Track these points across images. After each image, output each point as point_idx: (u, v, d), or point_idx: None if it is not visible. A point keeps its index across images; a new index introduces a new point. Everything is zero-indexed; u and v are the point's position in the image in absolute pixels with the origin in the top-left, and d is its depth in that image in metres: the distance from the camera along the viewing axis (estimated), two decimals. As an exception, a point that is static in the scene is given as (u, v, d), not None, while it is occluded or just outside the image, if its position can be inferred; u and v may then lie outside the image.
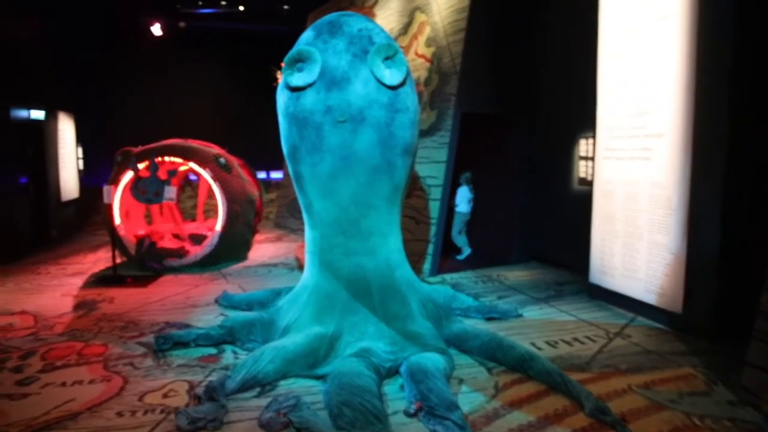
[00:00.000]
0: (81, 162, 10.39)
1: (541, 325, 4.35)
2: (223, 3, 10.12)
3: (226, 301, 4.99)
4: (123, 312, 4.85)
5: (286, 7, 10.06)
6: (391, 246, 4.25)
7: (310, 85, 3.91)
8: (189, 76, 11.71)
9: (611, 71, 4.65)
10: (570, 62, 6.00)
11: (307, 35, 4.08)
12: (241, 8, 10.18)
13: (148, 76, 11.42)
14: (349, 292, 4.00)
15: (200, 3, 10.12)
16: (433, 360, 3.35)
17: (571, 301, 5.04)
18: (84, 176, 10.38)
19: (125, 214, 6.63)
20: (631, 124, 4.37)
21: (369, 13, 8.09)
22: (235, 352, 3.84)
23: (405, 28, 7.14)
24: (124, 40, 11.19)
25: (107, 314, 4.79)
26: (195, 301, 5.21)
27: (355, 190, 4.00)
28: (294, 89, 3.97)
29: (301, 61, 3.91)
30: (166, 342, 3.87)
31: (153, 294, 5.46)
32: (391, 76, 3.92)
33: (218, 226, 6.51)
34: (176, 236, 7.39)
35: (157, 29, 10.98)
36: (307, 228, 4.32)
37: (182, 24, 10.99)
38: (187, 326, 4.37)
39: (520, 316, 4.58)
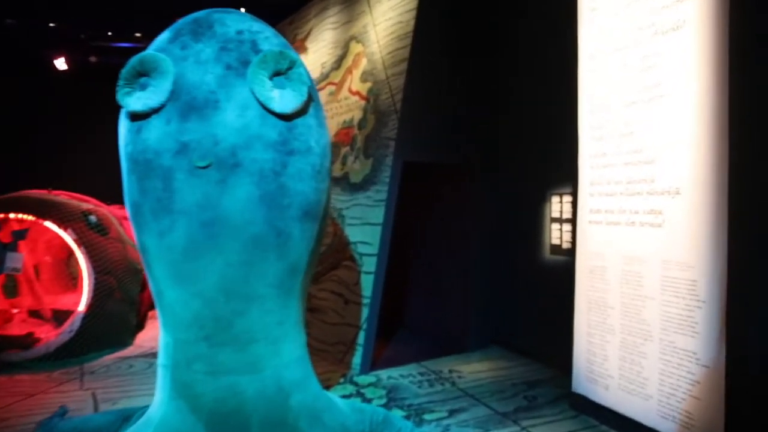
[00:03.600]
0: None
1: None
2: (138, 35, 8.80)
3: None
4: None
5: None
6: (286, 357, 2.80)
7: (155, 111, 2.52)
8: (95, 114, 10.21)
9: (597, 108, 3.48)
10: (541, 99, 4.87)
11: (161, 38, 2.73)
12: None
13: (49, 113, 9.89)
14: (213, 433, 2.55)
15: (110, 35, 8.76)
16: None
17: (549, 418, 3.64)
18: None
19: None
20: (631, 176, 3.15)
21: (300, 47, 6.90)
22: None
23: (338, 62, 5.94)
24: (25, 73, 9.69)
25: None
26: (12, 424, 3.54)
27: (225, 274, 2.58)
28: (135, 117, 2.57)
29: (144, 74, 2.54)
30: None
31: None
32: (284, 100, 2.59)
33: (81, 305, 4.88)
34: (35, 314, 5.66)
35: (61, 63, 9.52)
36: (160, 330, 2.83)
37: (93, 58, 9.59)
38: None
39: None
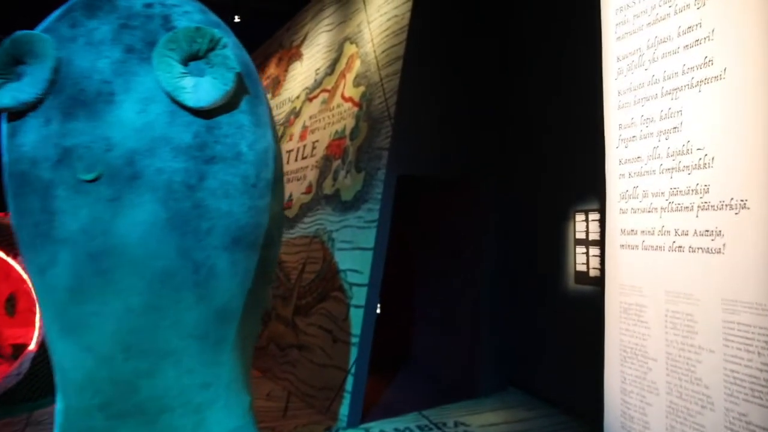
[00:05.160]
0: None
1: None
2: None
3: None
4: None
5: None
6: (215, 427, 2.12)
7: (30, 107, 1.92)
8: None
9: (627, 101, 2.73)
10: (558, 97, 4.14)
11: (51, 16, 2.14)
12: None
13: None
14: None
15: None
16: None
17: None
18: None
19: None
20: (676, 186, 2.39)
21: (296, 54, 6.35)
22: None
23: (332, 66, 5.34)
24: None
25: None
26: None
27: (124, 323, 1.94)
28: (11, 116, 1.97)
29: (19, 60, 1.94)
30: None
31: None
32: (199, 91, 1.95)
33: (32, 343, 4.31)
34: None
35: None
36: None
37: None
38: None
39: None
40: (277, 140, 2.40)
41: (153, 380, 1.99)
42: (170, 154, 1.91)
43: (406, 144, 4.08)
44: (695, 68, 2.31)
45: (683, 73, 2.39)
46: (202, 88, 1.94)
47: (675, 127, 2.41)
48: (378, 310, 6.74)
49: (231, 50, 2.04)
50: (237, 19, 6.98)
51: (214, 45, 1.99)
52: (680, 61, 2.39)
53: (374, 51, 4.59)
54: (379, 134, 4.21)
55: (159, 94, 1.93)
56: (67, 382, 2.03)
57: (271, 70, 6.94)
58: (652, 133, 2.55)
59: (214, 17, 2.23)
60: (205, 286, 2.01)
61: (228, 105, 2.03)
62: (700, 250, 2.27)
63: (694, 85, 2.32)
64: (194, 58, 1.98)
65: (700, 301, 2.27)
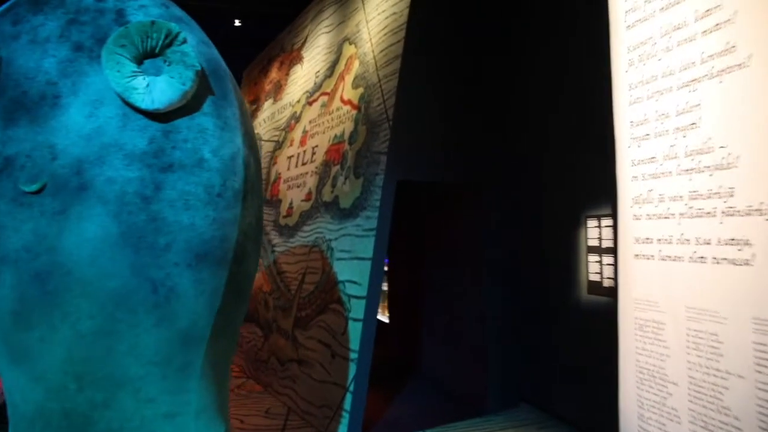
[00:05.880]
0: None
1: None
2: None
3: None
4: None
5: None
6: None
7: (-33, 112, 1.74)
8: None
9: (639, 95, 2.48)
10: (567, 94, 3.89)
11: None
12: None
13: None
14: None
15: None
16: None
17: None
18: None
19: None
20: (696, 189, 2.12)
21: (297, 57, 6.18)
22: None
23: (331, 68, 5.14)
24: None
25: None
26: None
27: (75, 350, 1.75)
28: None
29: (-41, 61, 1.77)
30: None
31: None
32: (154, 92, 1.76)
33: None
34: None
35: None
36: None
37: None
38: None
39: None
40: (254, 146, 2.20)
41: (109, 412, 1.80)
42: (122, 161, 1.72)
43: (405, 147, 3.86)
44: (715, 56, 2.05)
45: (702, 62, 2.13)
46: (157, 89, 1.74)
47: (693, 123, 2.15)
48: (387, 320, 6.53)
49: (192, 46, 1.84)
50: (237, 23, 6.84)
51: (171, 41, 1.79)
52: (698, 48, 2.13)
53: (372, 51, 4.38)
54: (378, 137, 3.99)
55: (110, 96, 1.74)
56: (17, 415, 1.85)
57: (273, 74, 6.78)
58: (667, 131, 2.29)
59: (177, 11, 2.04)
60: (166, 307, 1.81)
61: (188, 107, 1.83)
62: (724, 261, 2.00)
63: (714, 75, 2.06)
64: (150, 55, 1.78)
65: (726, 320, 2.00)
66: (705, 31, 2.10)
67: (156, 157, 1.76)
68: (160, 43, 1.78)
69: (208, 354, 1.98)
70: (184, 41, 1.81)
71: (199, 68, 1.83)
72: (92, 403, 1.78)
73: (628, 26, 2.53)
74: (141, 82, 1.73)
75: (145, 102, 1.72)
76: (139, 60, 1.76)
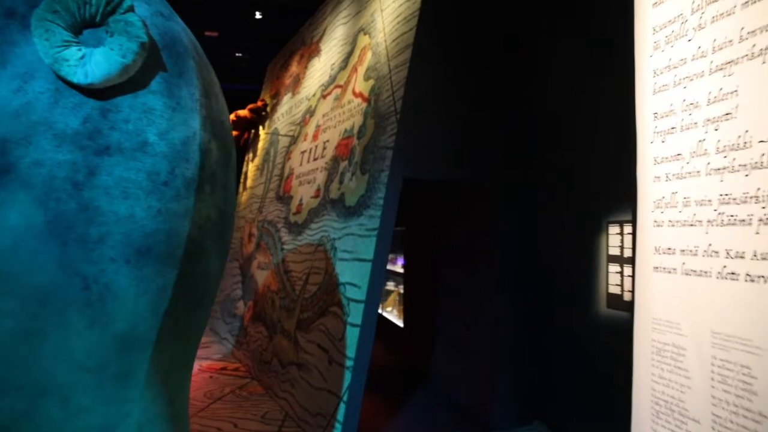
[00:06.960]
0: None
1: None
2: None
3: None
4: None
5: (238, 54, 8.16)
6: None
7: None
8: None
9: (664, 83, 2.14)
10: (590, 84, 3.55)
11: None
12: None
13: None
14: None
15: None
16: None
17: None
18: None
19: None
20: (729, 191, 1.79)
21: (315, 50, 5.99)
22: None
23: (346, 60, 4.92)
24: None
25: None
26: None
27: (-7, 352, 1.56)
28: None
29: None
30: None
31: None
32: (90, 64, 1.56)
33: None
34: None
35: None
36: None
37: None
38: None
39: None
40: (220, 132, 1.98)
41: (33, 422, 1.61)
42: (52, 142, 1.53)
43: (413, 142, 3.60)
44: (757, 32, 1.71)
45: (741, 40, 1.79)
46: (93, 61, 1.54)
47: (728, 114, 1.81)
48: (401, 324, 6.26)
49: (138, 16, 1.64)
50: (258, 16, 6.72)
51: (113, 8, 1.59)
52: (736, 24, 1.80)
53: (385, 41, 4.13)
54: (385, 131, 3.74)
55: (43, 69, 1.55)
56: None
57: (293, 68, 6.62)
58: (696, 123, 1.96)
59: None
60: (100, 306, 1.61)
61: (132, 83, 1.62)
62: (761, 280, 1.66)
63: (755, 55, 1.72)
64: (89, 24, 1.59)
65: (761, 350, 1.66)
66: (745, 3, 1.76)
67: (91, 139, 1.56)
68: (101, 10, 1.58)
69: (154, 361, 1.78)
70: (130, 9, 1.60)
71: (145, 40, 1.62)
72: (13, 412, 1.59)
73: (655, 3, 2.19)
74: (74, 53, 1.53)
75: (77, 75, 1.53)
76: (76, 29, 1.57)
